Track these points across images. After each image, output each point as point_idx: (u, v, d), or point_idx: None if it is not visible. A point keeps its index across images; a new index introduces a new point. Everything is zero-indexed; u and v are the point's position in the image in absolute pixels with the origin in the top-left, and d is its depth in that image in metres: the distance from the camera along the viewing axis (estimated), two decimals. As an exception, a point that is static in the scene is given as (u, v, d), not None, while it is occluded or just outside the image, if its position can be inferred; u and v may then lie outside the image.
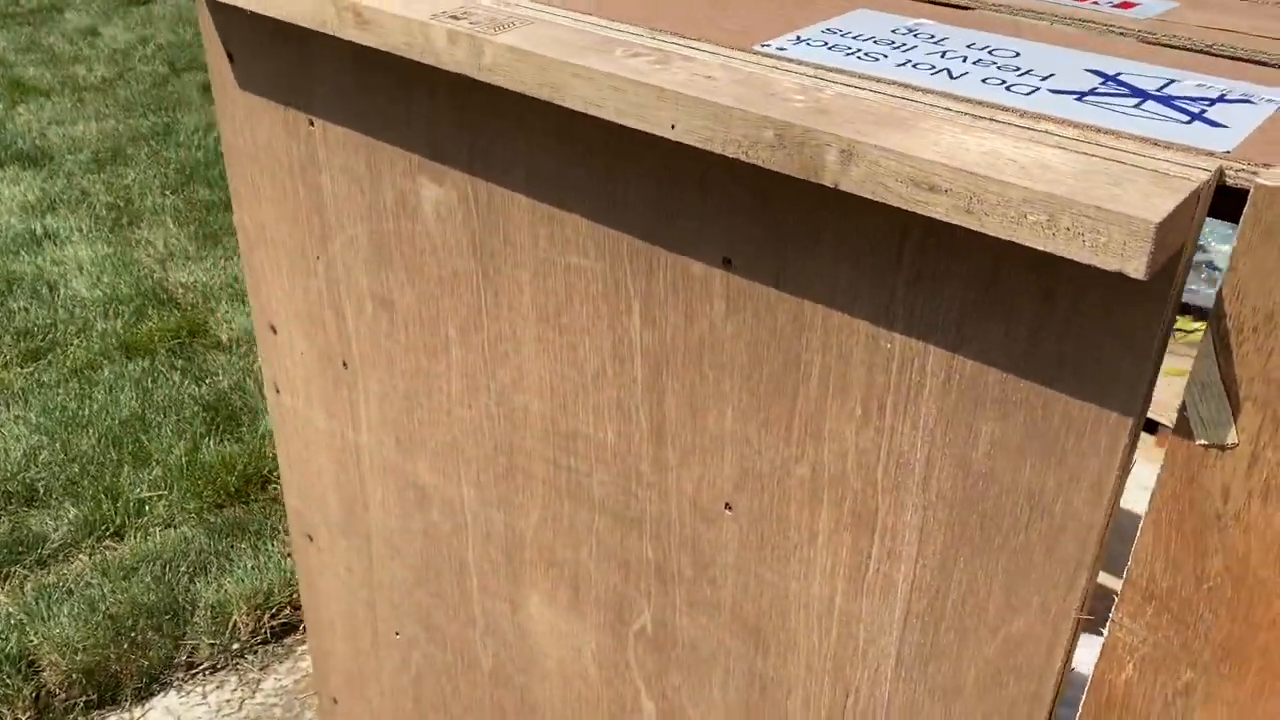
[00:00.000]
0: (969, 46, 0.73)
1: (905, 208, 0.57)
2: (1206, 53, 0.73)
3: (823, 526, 0.78)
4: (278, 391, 1.24)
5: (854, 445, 0.73)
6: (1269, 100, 0.63)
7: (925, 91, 0.65)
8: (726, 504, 0.83)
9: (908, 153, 0.55)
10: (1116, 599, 0.65)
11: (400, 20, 0.78)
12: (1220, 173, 0.54)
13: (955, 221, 0.55)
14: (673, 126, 0.65)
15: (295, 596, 1.88)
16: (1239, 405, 0.55)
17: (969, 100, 0.64)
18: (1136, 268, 0.49)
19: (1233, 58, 0.72)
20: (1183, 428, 0.58)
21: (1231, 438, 0.56)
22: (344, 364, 1.12)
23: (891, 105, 0.63)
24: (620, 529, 0.93)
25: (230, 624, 1.84)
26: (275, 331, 1.19)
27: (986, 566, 0.70)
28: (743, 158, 0.62)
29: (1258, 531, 0.57)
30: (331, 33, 0.83)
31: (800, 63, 0.70)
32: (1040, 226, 0.52)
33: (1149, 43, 0.75)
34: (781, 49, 0.72)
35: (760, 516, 0.81)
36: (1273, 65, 0.71)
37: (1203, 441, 0.57)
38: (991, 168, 0.54)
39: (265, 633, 1.85)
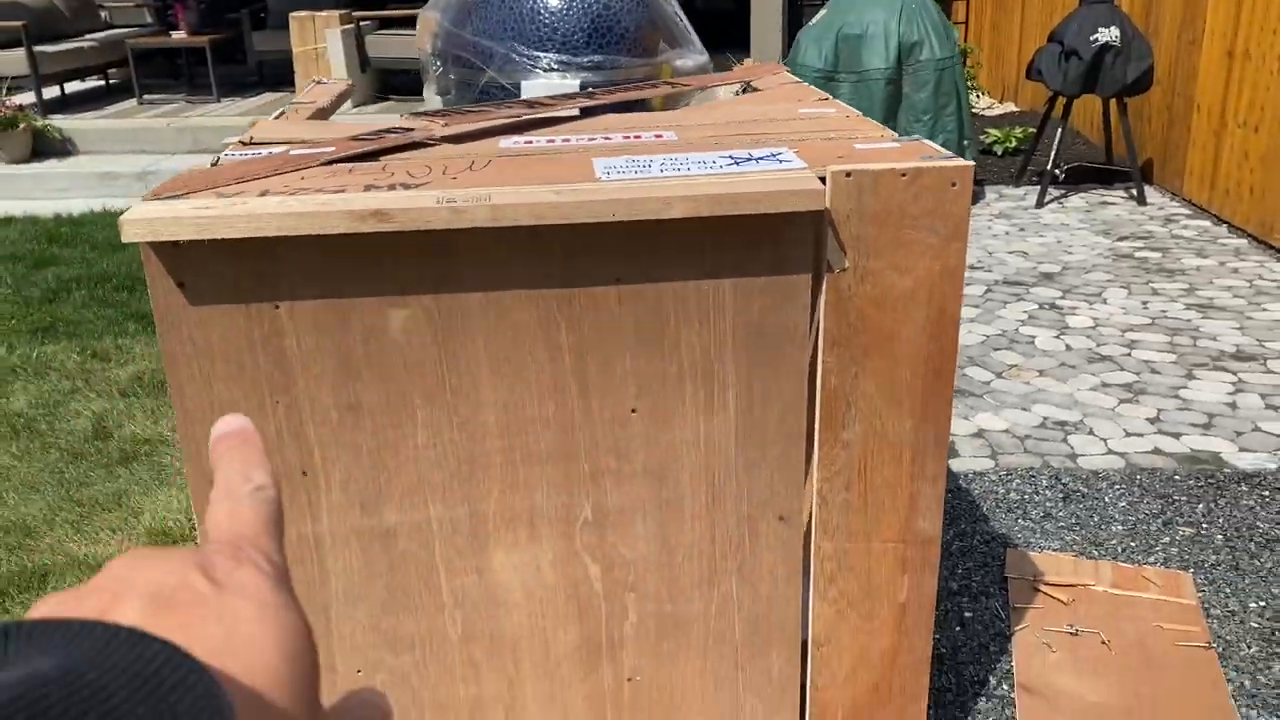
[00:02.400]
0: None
1: (706, 214, 1.43)
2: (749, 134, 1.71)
3: (688, 393, 1.58)
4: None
5: (696, 341, 1.55)
6: (774, 155, 1.61)
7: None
8: (632, 409, 1.59)
9: (725, 192, 1.42)
10: (821, 357, 1.58)
11: (415, 210, 1.40)
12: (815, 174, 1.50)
13: (704, 214, 1.43)
14: (613, 214, 1.42)
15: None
16: (846, 251, 1.52)
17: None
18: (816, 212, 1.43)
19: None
20: (831, 271, 1.53)
21: (844, 264, 1.53)
22: (303, 473, 1.58)
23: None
24: (563, 463, 1.61)
25: None
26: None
27: (765, 371, 1.58)
28: (611, 219, 1.43)
29: (863, 297, 1.55)
30: (359, 230, 1.40)
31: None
32: (784, 198, 1.42)
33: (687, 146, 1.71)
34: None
35: (652, 406, 1.58)
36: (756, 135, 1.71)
37: (839, 269, 1.53)
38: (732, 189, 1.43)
39: None
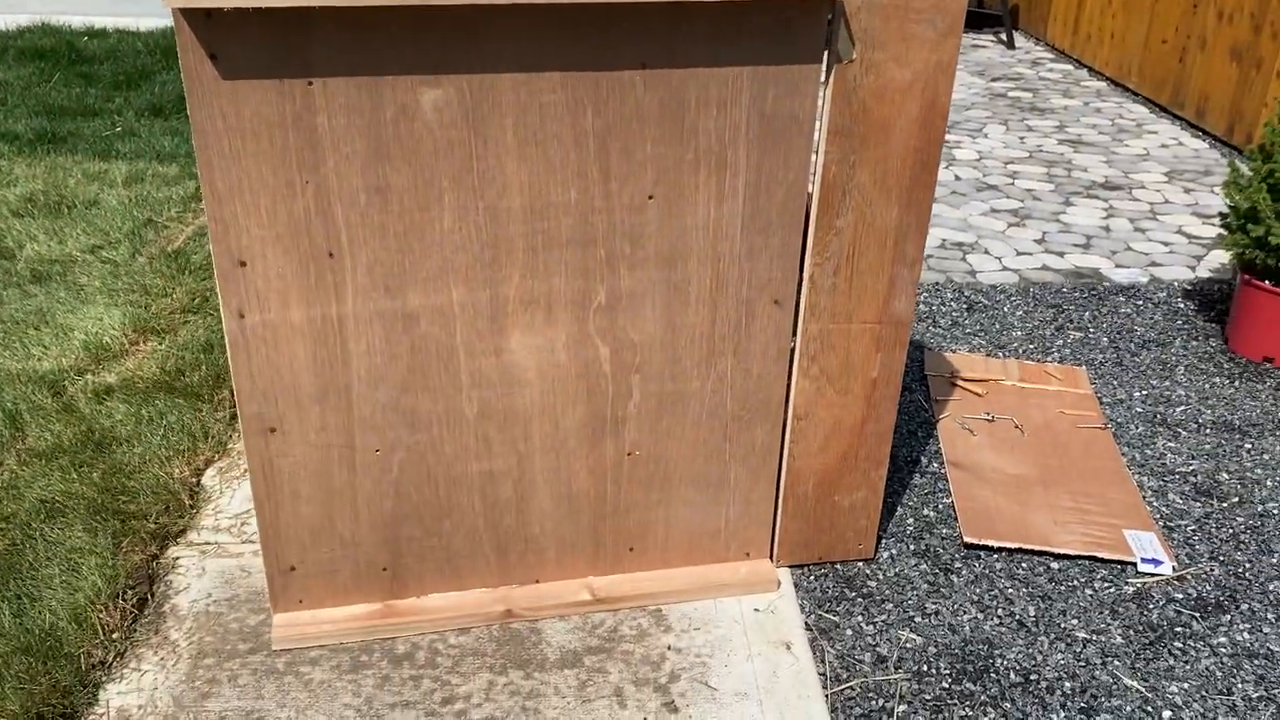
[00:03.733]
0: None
1: None
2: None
3: (701, 179, 1.68)
4: (241, 316, 1.63)
5: (713, 128, 1.64)
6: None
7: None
8: (649, 195, 1.67)
9: (760, -21, 1.49)
10: (821, 139, 1.69)
11: (460, -16, 1.41)
12: (825, -32, 1.58)
13: None
14: (651, -3, 1.47)
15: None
16: (855, 43, 1.62)
17: (724, -34, 1.57)
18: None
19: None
20: (840, 62, 1.63)
21: (852, 56, 1.63)
22: (330, 254, 1.61)
23: (714, -29, 1.54)
24: (581, 248, 1.69)
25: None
26: (244, 265, 1.59)
27: (773, 159, 1.68)
28: None
29: (866, 89, 1.66)
30: (399, 1, 1.41)
31: (645, -33, 1.55)
32: (812, -8, 1.50)
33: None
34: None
35: (668, 191, 1.67)
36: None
37: (847, 60, 1.63)
38: (787, -23, 1.50)
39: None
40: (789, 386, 1.91)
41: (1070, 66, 6.09)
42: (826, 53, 1.63)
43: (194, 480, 2.25)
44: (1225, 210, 3.83)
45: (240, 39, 1.44)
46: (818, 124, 1.69)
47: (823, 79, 1.66)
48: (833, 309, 1.84)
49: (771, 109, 1.65)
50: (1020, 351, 2.94)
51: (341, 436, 1.76)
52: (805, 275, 1.80)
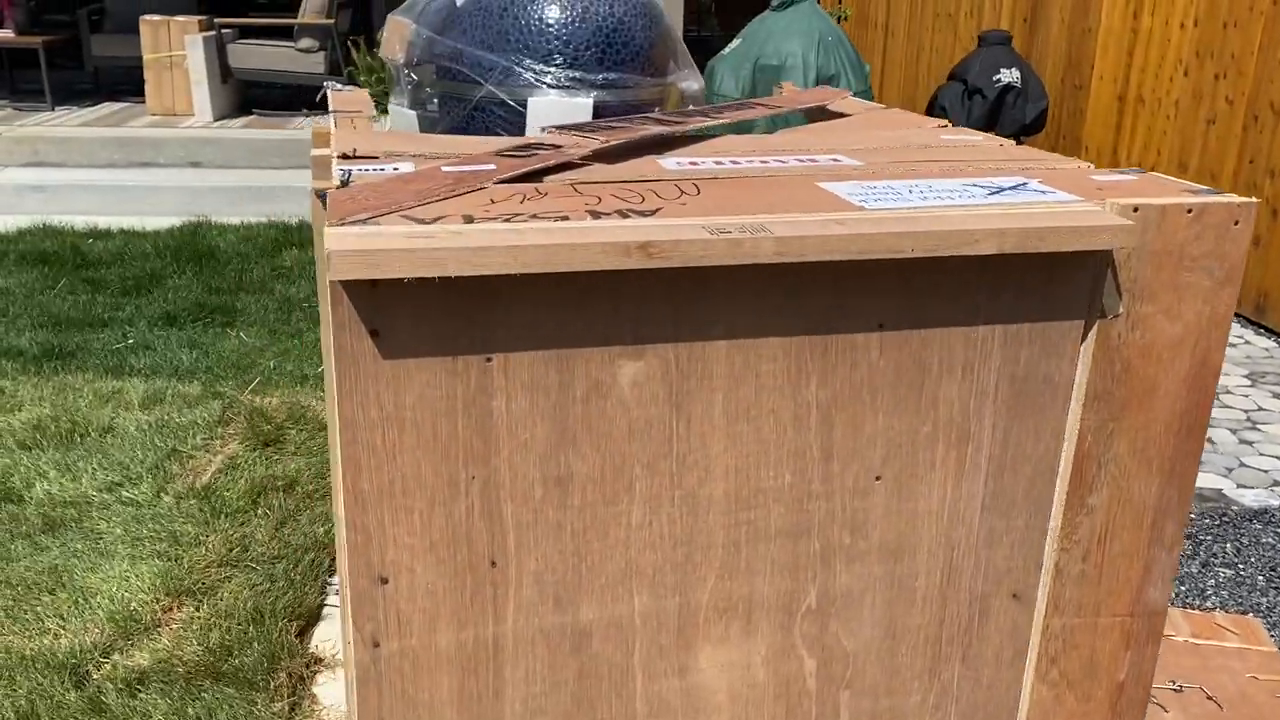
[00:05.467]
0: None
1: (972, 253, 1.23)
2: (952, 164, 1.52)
3: (938, 455, 1.37)
4: (376, 646, 1.27)
5: (955, 396, 1.35)
6: (1026, 185, 1.44)
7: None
8: (876, 476, 1.36)
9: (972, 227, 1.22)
10: (1079, 406, 1.40)
11: (686, 243, 1.14)
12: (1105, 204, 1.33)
13: (1009, 250, 1.24)
14: (910, 250, 1.20)
15: None
16: (1122, 295, 1.35)
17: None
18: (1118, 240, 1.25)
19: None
20: (1104, 317, 1.35)
21: (1119, 310, 1.36)
22: (492, 563, 1.27)
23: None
24: (792, 541, 1.36)
25: None
26: (386, 581, 1.24)
27: (1021, 430, 1.39)
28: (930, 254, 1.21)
29: (1132, 346, 1.38)
30: (621, 267, 1.12)
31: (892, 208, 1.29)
32: (1067, 235, 1.24)
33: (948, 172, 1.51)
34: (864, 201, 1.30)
35: (899, 470, 1.36)
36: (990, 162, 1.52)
37: (1112, 315, 1.36)
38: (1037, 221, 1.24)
39: None
40: (1019, 694, 1.56)
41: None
42: (1089, 308, 1.36)
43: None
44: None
45: (411, 311, 1.14)
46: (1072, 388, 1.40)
47: (1083, 337, 1.38)
48: (1079, 601, 1.50)
49: (1024, 372, 1.36)
50: (1174, 596, 2.60)
51: (484, 786, 1.37)
52: (1049, 562, 1.48)
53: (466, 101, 2.90)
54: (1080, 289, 1.34)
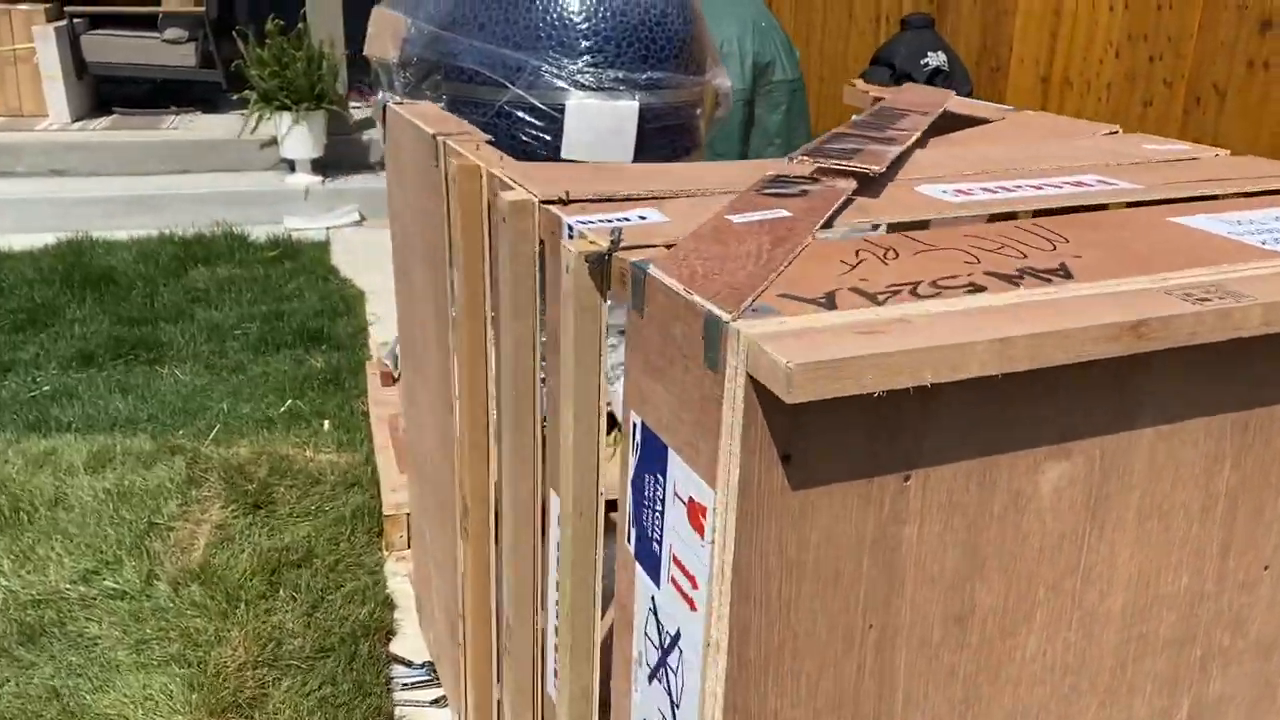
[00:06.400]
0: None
1: None
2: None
3: (1325, 535, 1.17)
4: (737, 847, 0.98)
5: (1351, 469, 1.15)
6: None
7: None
8: (1265, 566, 1.15)
9: None
10: None
11: (1175, 319, 0.89)
12: None
13: None
14: (1383, 309, 0.98)
15: None
16: None
17: (1373, 246, 1.12)
18: None
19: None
20: None
21: None
22: (876, 727, 1.00)
23: (1395, 259, 1.07)
24: (1176, 651, 1.14)
25: None
26: (757, 767, 0.96)
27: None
28: None
29: None
30: (1106, 355, 0.87)
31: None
32: None
33: None
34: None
35: (1288, 558, 1.16)
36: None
37: None
38: None
39: None
40: (1345, 779, 1.39)
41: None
42: None
43: None
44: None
45: (833, 424, 0.86)
46: None
47: None
48: None
49: None
50: None
51: None
52: (1399, 637, 1.31)
53: (487, 106, 2.55)
54: None
